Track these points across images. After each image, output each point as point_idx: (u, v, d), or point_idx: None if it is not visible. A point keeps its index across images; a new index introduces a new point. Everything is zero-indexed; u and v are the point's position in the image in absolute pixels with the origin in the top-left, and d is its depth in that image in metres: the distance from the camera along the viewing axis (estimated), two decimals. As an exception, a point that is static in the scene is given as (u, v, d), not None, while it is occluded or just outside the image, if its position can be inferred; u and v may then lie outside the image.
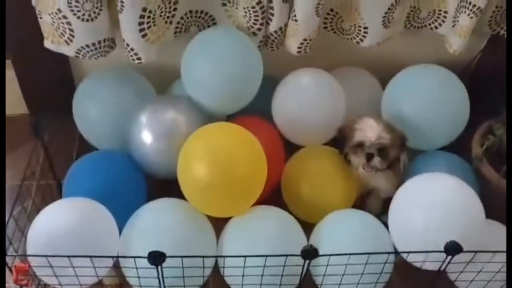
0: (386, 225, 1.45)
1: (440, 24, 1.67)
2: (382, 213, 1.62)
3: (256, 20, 1.50)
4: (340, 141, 1.51)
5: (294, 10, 1.47)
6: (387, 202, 1.59)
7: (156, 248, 1.25)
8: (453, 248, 1.20)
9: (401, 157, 1.47)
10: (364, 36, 1.59)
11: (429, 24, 1.69)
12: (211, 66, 1.49)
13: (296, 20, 1.48)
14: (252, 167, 1.33)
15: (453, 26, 1.61)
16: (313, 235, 1.41)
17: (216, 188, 1.30)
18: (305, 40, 1.54)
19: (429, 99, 1.56)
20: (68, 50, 1.48)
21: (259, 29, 1.53)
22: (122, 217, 1.38)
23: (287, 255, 1.18)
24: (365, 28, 1.57)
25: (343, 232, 1.38)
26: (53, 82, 1.75)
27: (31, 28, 1.51)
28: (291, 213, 1.51)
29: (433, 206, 1.28)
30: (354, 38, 1.62)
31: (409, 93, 1.59)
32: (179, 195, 1.40)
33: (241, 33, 1.53)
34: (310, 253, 1.16)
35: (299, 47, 1.56)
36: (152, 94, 1.67)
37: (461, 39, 1.59)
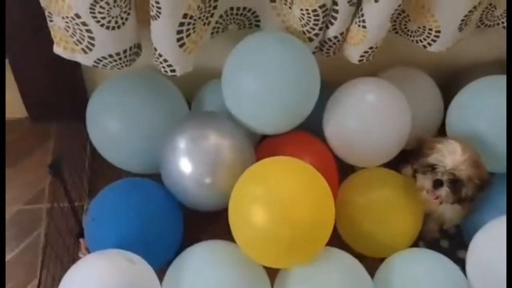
0: (447, 252, 1.32)
1: (514, 24, 1.43)
2: (439, 239, 1.48)
3: (316, 24, 1.24)
4: (415, 153, 1.30)
5: (362, 15, 1.22)
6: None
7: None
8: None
9: (476, 198, 1.27)
10: (434, 40, 1.35)
11: (502, 23, 1.45)
12: (261, 80, 1.24)
13: (364, 27, 1.23)
14: (320, 215, 1.12)
15: (535, 30, 1.38)
16: (378, 280, 1.24)
17: (278, 241, 1.10)
18: (370, 48, 1.29)
19: (502, 115, 1.35)
20: (85, 60, 1.21)
21: (316, 35, 1.27)
22: (157, 259, 1.18)
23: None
24: (437, 31, 1.32)
25: (415, 278, 1.21)
26: (59, 84, 1.47)
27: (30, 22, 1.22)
28: (344, 243, 1.34)
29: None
30: (421, 41, 1.38)
31: (479, 109, 1.37)
32: (218, 230, 1.22)
33: (295, 38, 1.27)
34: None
35: (362, 56, 1.31)
36: (182, 104, 1.42)
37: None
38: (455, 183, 1.23)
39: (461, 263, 1.26)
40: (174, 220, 1.27)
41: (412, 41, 1.41)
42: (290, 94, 1.24)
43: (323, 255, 1.19)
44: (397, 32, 1.41)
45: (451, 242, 1.47)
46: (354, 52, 1.31)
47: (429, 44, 1.37)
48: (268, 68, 1.23)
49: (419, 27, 1.35)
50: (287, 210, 1.09)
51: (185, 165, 1.22)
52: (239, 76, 1.26)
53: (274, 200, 1.10)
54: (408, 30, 1.39)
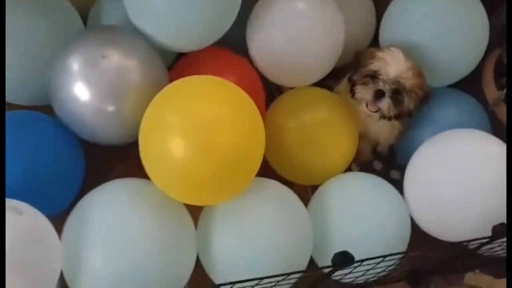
0: (381, 173, 1.25)
1: None
2: (372, 160, 1.40)
3: None
4: (353, 65, 1.18)
5: None
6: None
7: (122, 258, 0.91)
8: (501, 232, 0.99)
9: (414, 113, 1.17)
10: None
11: None
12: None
13: None
14: (248, 143, 0.96)
15: None
16: (313, 209, 1.13)
17: (201, 175, 0.93)
18: None
19: (441, 25, 1.23)
20: None
21: None
22: (54, 206, 0.99)
23: (322, 268, 0.88)
24: None
25: (354, 203, 1.11)
26: None
27: None
28: (272, 171, 1.22)
29: (471, 181, 1.04)
30: None
31: (414, 18, 1.25)
32: (126, 167, 1.07)
33: None
34: (345, 262, 0.87)
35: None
36: (76, 19, 1.17)
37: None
38: (398, 93, 1.13)
39: (394, 183, 1.19)
40: (72, 159, 1.07)
41: None
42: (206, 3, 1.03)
43: (251, 186, 1.05)
44: None
45: (384, 163, 1.41)
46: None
47: None
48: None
49: None
50: (210, 138, 0.92)
51: (81, 90, 1.01)
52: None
53: (193, 126, 0.92)
54: None
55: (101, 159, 1.12)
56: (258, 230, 1.01)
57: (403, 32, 1.26)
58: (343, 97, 1.23)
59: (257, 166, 0.99)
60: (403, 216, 1.12)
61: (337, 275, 0.94)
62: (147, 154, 0.96)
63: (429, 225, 1.12)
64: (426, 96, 1.16)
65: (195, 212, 1.06)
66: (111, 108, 1.01)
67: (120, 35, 1.05)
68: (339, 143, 1.20)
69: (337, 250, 0.89)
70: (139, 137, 0.97)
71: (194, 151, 0.92)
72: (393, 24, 1.29)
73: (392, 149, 1.39)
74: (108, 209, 0.96)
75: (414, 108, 1.16)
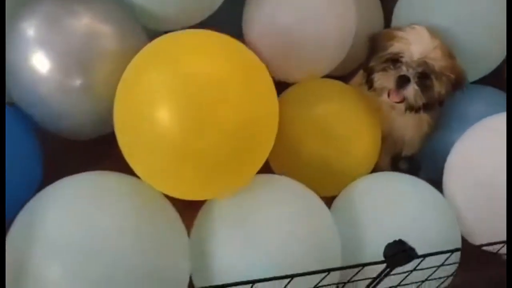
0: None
1: None
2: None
3: None
4: (369, 51, 1.01)
5: None
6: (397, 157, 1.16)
7: (85, 270, 0.65)
8: None
9: (446, 99, 0.99)
10: None
11: None
12: None
13: None
14: (257, 113, 0.74)
15: None
16: (337, 210, 0.89)
17: (195, 155, 0.70)
18: None
19: (463, 11, 1.07)
20: None
21: None
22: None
23: (364, 265, 0.63)
24: None
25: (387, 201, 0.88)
26: None
27: None
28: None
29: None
30: None
31: (434, 4, 1.09)
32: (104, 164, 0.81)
33: None
34: (404, 256, 0.62)
35: None
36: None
37: None
38: (425, 78, 0.95)
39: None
40: (26, 153, 0.82)
41: None
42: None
43: (261, 182, 0.82)
44: None
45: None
46: None
47: None
48: None
49: None
50: (207, 105, 0.70)
51: (39, 60, 0.79)
52: None
53: (185, 90, 0.70)
54: None
55: (65, 155, 0.88)
56: (270, 235, 0.76)
57: (422, 18, 1.09)
58: (361, 90, 1.04)
59: (270, 144, 0.77)
60: (450, 216, 0.89)
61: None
62: (123, 129, 0.73)
63: (476, 225, 0.89)
64: (460, 80, 0.99)
65: (189, 218, 0.81)
66: (78, 82, 0.79)
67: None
68: (361, 138, 1.00)
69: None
70: (114, 107, 0.74)
71: (186, 122, 0.70)
72: (409, 12, 1.13)
73: (415, 160, 1.19)
74: (66, 210, 0.72)
75: (446, 94, 0.98)
